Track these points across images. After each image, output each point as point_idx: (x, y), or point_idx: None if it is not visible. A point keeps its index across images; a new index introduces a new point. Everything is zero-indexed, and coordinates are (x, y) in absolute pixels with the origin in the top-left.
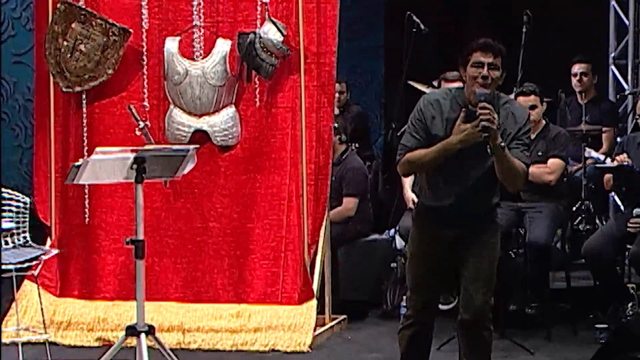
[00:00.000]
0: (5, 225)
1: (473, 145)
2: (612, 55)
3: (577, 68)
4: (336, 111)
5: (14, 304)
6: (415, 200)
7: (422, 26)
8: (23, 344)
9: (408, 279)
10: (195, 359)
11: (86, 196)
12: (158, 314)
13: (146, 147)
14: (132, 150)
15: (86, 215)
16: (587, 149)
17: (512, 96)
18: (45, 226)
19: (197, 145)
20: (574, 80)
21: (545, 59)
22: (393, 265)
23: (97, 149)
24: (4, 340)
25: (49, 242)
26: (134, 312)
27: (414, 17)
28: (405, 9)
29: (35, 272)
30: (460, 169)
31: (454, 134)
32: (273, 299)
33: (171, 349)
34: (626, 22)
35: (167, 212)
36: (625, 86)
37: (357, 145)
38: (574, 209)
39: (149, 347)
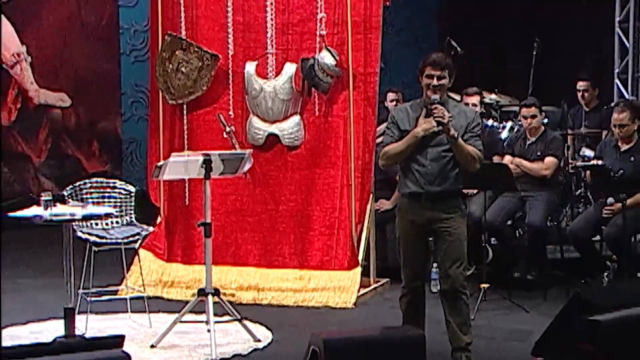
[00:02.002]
0: (107, 210)
1: (435, 139)
2: (616, 71)
3: (579, 85)
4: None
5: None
6: None
7: (458, 49)
8: (131, 299)
9: (399, 258)
10: (266, 312)
11: (186, 185)
12: (240, 276)
13: (214, 151)
14: (202, 154)
15: (186, 199)
16: (583, 148)
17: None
18: (156, 207)
19: (251, 150)
20: (579, 95)
21: (564, 73)
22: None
23: (173, 153)
24: (119, 295)
25: (159, 219)
26: (220, 274)
27: (452, 42)
28: (451, 32)
29: (136, 246)
30: (427, 159)
31: (417, 126)
32: (328, 266)
33: (248, 304)
34: (627, 44)
35: (247, 198)
36: (627, 95)
37: None
38: (577, 194)
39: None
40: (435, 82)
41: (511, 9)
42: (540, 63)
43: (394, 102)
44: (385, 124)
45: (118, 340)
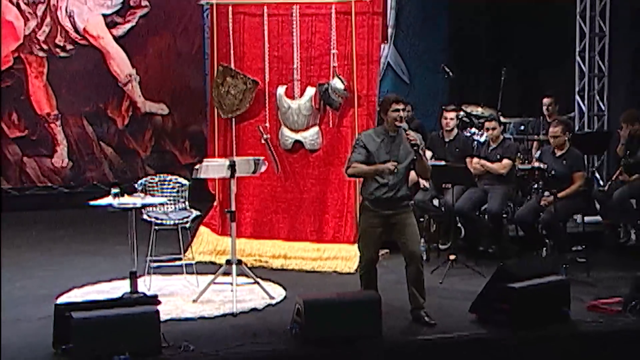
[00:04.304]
0: (160, 200)
1: (394, 159)
2: (577, 89)
3: (545, 101)
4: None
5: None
6: (425, 183)
7: (450, 74)
8: (186, 265)
9: (359, 246)
10: (289, 276)
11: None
12: (272, 247)
13: (236, 157)
14: (228, 159)
15: (234, 188)
16: (539, 151)
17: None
18: (212, 194)
19: (263, 157)
20: (544, 108)
21: (533, 93)
22: (422, 219)
23: (206, 158)
24: (185, 262)
25: (215, 203)
26: (259, 246)
27: (446, 68)
28: (460, 56)
29: (187, 225)
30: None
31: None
32: (338, 240)
33: (277, 269)
34: (584, 69)
35: (279, 188)
36: (584, 109)
37: None
38: (535, 186)
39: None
40: (401, 113)
41: (508, 38)
42: (518, 83)
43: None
44: None
45: (155, 299)
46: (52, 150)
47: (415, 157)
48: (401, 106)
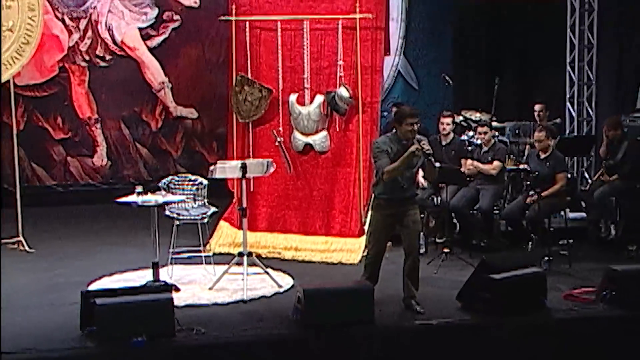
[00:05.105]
0: (180, 197)
1: (409, 165)
2: (568, 96)
3: (536, 107)
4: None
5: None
6: (424, 183)
7: (450, 82)
8: (205, 256)
9: (369, 241)
10: (300, 266)
11: (251, 177)
12: (285, 240)
13: (251, 159)
14: (240, 161)
15: (251, 186)
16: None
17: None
18: (231, 192)
19: (272, 159)
20: (535, 114)
21: (530, 97)
22: (421, 216)
23: (219, 161)
24: (204, 254)
25: (234, 200)
26: (272, 239)
27: (446, 77)
28: (465, 66)
29: (205, 220)
30: (403, 176)
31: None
32: (344, 234)
33: (289, 260)
34: (574, 78)
35: (292, 186)
36: (574, 114)
37: None
38: (526, 185)
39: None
40: (415, 127)
41: (509, 45)
42: (517, 88)
43: None
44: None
45: (171, 287)
46: (92, 150)
47: (424, 162)
48: (415, 120)
